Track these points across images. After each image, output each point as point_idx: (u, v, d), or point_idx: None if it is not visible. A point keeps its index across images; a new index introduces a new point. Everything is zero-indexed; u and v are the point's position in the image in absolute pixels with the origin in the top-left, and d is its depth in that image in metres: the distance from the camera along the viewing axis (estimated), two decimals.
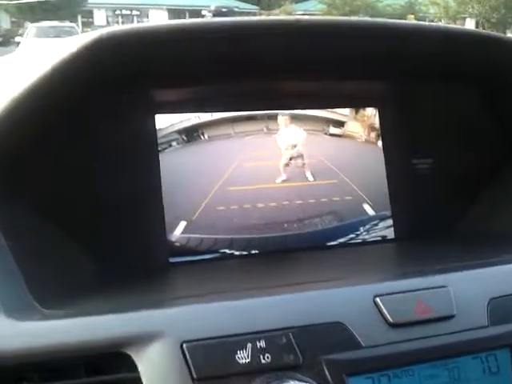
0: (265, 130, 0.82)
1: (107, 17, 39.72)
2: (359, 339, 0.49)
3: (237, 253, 0.78)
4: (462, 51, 0.69)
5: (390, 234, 0.85)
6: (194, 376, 0.44)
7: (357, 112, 0.86)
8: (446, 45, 0.67)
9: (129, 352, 0.44)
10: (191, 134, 0.79)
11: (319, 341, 0.48)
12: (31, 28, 16.05)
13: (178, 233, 0.76)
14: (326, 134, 0.84)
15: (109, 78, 0.62)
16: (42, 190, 0.65)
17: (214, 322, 0.47)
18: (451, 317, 0.52)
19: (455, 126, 0.85)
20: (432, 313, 0.51)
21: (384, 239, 0.84)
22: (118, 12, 40.22)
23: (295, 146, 0.82)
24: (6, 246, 0.50)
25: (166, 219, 0.75)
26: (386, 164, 0.85)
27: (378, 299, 0.51)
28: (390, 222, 0.85)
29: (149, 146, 0.75)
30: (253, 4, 41.51)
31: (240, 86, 0.76)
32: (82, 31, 22.74)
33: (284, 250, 0.80)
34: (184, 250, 0.76)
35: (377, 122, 0.86)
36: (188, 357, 0.44)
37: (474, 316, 0.53)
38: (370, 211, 0.85)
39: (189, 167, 0.78)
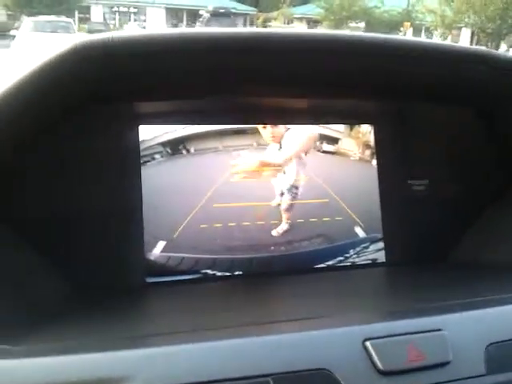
0: (254, 144, 0.78)
1: (104, 13, 39.60)
2: None
3: (219, 273, 0.74)
4: (458, 71, 0.65)
5: (381, 257, 0.81)
6: None
7: (352, 129, 0.82)
8: (443, 63, 0.64)
9: None
10: (176, 147, 0.75)
11: None
12: (28, 22, 15.98)
13: (157, 251, 0.72)
14: (318, 150, 0.80)
15: (88, 88, 0.58)
16: (17, 207, 0.61)
17: (185, 366, 0.42)
18: (446, 363, 0.48)
19: (453, 147, 0.82)
20: (425, 360, 0.47)
21: (374, 263, 0.80)
22: (115, 9, 40.13)
23: (296, 188, 0.79)
24: None
25: (145, 237, 0.71)
26: (379, 184, 0.82)
27: (367, 343, 0.47)
28: (381, 244, 0.81)
29: (131, 159, 0.71)
30: (250, 5, 41.52)
31: (229, 99, 0.72)
32: (79, 27, 22.65)
33: (269, 272, 0.76)
34: (163, 270, 0.72)
35: (372, 139, 0.83)
36: None
37: (471, 363, 0.49)
38: (361, 233, 0.81)
39: (172, 182, 0.74)
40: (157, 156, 0.74)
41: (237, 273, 0.74)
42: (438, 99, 0.76)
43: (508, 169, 0.78)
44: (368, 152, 0.83)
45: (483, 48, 0.67)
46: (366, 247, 0.81)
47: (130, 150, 0.71)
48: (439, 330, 0.49)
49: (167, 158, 0.74)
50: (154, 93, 0.67)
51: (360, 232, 0.81)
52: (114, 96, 0.66)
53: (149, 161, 0.73)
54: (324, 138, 0.81)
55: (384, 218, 0.81)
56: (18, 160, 0.61)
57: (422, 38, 0.76)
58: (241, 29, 0.57)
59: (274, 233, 0.77)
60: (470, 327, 0.51)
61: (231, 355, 0.44)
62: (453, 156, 0.82)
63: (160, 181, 0.73)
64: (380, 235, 0.81)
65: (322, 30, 0.61)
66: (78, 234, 0.67)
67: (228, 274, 0.74)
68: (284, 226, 0.77)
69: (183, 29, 0.55)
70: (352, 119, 0.81)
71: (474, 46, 0.67)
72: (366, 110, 0.82)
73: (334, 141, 0.81)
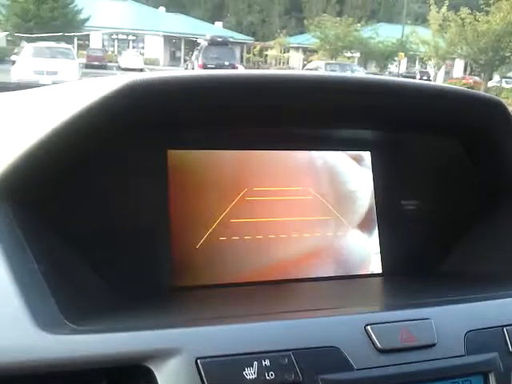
0: (268, 168, 0.88)
1: (103, 40, 40.06)
2: (351, 362, 0.55)
3: (236, 281, 0.84)
4: (446, 108, 0.77)
5: (378, 269, 0.91)
6: None
7: (351, 155, 0.93)
8: (432, 102, 0.76)
9: (150, 366, 0.50)
10: (199, 169, 0.86)
11: (316, 362, 0.54)
12: (28, 48, 16.23)
13: (182, 260, 0.82)
14: (322, 174, 0.91)
15: (130, 120, 0.69)
16: (67, 221, 0.71)
17: (224, 341, 0.53)
18: (432, 345, 0.59)
19: (441, 172, 0.93)
20: (415, 341, 0.58)
21: (372, 274, 0.91)
22: (114, 36, 40.59)
23: None
24: (38, 270, 0.56)
25: (172, 247, 0.81)
26: (375, 203, 0.93)
27: (368, 327, 0.58)
28: (377, 257, 0.92)
29: (160, 180, 0.81)
30: (247, 34, 42.10)
31: (249, 128, 0.83)
32: (78, 53, 22.93)
33: (280, 280, 0.86)
34: (186, 278, 0.82)
35: (369, 165, 0.94)
36: (202, 371, 0.50)
37: (453, 346, 0.60)
38: (360, 247, 0.91)
39: (195, 199, 0.84)
40: (182, 176, 0.84)
41: (251, 281, 0.84)
42: (426, 131, 0.88)
43: (486, 191, 0.89)
44: (366, 176, 0.94)
45: (462, 88, 0.79)
46: (365, 260, 0.91)
47: (159, 171, 0.82)
48: (427, 318, 0.60)
49: (191, 178, 0.85)
50: (184, 123, 0.78)
51: (359, 246, 0.91)
52: (147, 124, 0.76)
53: (176, 180, 0.84)
54: (327, 163, 0.92)
55: (380, 234, 0.92)
56: (72, 184, 0.72)
57: (416, 80, 0.83)
58: (263, 71, 0.68)
59: (286, 246, 0.87)
60: (452, 318, 0.62)
61: (261, 334, 0.55)
62: (440, 180, 0.93)
63: (184, 198, 0.84)
64: (377, 249, 0.92)
65: (330, 73, 0.73)
66: (118, 246, 0.77)
67: (243, 281, 0.84)
68: (293, 241, 0.88)
69: (219, 71, 0.67)
70: (352, 147, 0.93)
71: (454, 86, 0.79)
72: (365, 139, 0.93)
73: (335, 165, 0.93)
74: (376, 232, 0.92)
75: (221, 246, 0.84)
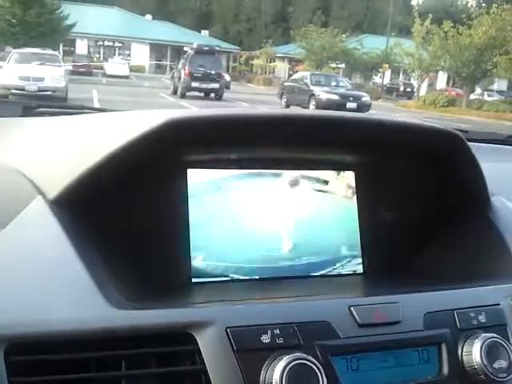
0: (268, 185, 1.07)
1: (89, 47, 40.06)
2: (338, 332, 0.74)
3: (242, 277, 1.02)
4: (410, 138, 0.97)
5: (359, 269, 1.10)
6: (235, 348, 0.69)
7: (338, 174, 1.12)
8: (401, 135, 0.96)
9: (193, 333, 0.69)
10: (213, 186, 1.04)
11: (313, 332, 0.73)
12: (13, 53, 16.27)
13: (199, 260, 1.00)
14: (314, 189, 1.10)
15: (159, 149, 0.86)
16: (110, 225, 0.89)
17: (246, 316, 0.72)
18: (398, 322, 0.78)
19: (413, 188, 1.12)
20: (386, 319, 0.77)
21: (354, 273, 1.09)
22: (99, 43, 40.60)
23: None
24: (98, 260, 0.75)
25: (191, 250, 0.99)
26: (358, 214, 1.11)
27: (351, 308, 0.77)
28: (359, 259, 1.10)
29: (182, 194, 0.99)
30: (233, 44, 42.34)
31: (254, 152, 1.02)
32: (63, 59, 22.97)
33: (277, 277, 1.04)
34: (203, 274, 1.00)
35: (353, 182, 1.13)
36: (231, 337, 0.69)
37: (414, 323, 0.79)
38: (345, 251, 1.10)
39: (209, 210, 1.02)
40: (199, 191, 1.02)
41: (254, 277, 1.03)
42: (399, 156, 1.07)
43: (449, 204, 1.09)
44: (350, 191, 1.13)
45: (424, 123, 0.98)
46: (349, 261, 1.09)
47: (181, 187, 1.00)
48: (396, 302, 0.79)
49: (207, 193, 1.03)
50: (202, 148, 0.96)
51: (344, 250, 1.10)
52: (169, 151, 0.94)
53: (194, 195, 1.02)
54: (317, 180, 1.10)
55: (362, 240, 1.10)
56: (115, 195, 0.90)
57: (390, 117, 0.96)
58: (273, 111, 0.88)
59: (282, 249, 1.05)
60: (415, 302, 0.81)
61: (273, 311, 0.74)
62: (411, 194, 1.12)
63: (201, 209, 1.02)
64: (359, 252, 1.10)
65: (326, 112, 0.93)
66: (146, 245, 0.95)
67: (248, 277, 1.02)
68: (288, 245, 1.06)
69: (241, 109, 0.86)
70: (338, 167, 1.12)
71: (419, 122, 0.99)
72: (349, 160, 1.12)
73: (325, 182, 1.11)
74: (358, 238, 1.10)
75: (230, 248, 1.02)
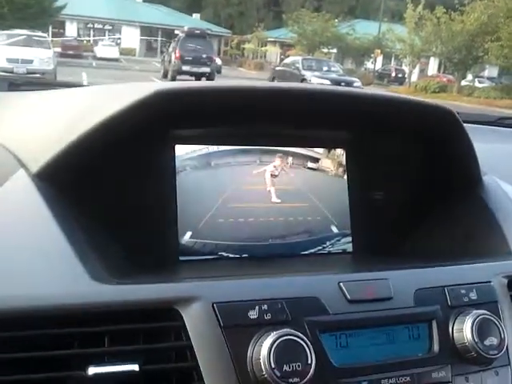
0: (258, 161, 1.05)
1: (78, 29, 39.63)
2: (328, 308, 0.73)
3: (231, 255, 1.00)
4: (400, 114, 0.95)
5: (349, 248, 1.09)
6: (221, 324, 0.67)
7: (329, 151, 1.11)
8: (391, 109, 0.94)
9: (178, 308, 0.67)
10: (201, 162, 1.02)
11: (302, 307, 0.71)
12: (1, 35, 16.07)
13: (187, 238, 0.98)
14: (304, 167, 1.08)
15: (148, 120, 0.84)
16: (94, 200, 0.87)
17: (233, 291, 0.70)
18: (390, 298, 0.77)
19: (402, 167, 1.11)
20: (376, 295, 0.76)
21: (344, 252, 1.08)
22: (89, 25, 40.19)
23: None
24: (81, 237, 0.73)
25: (178, 226, 0.97)
26: (349, 193, 1.10)
27: (341, 283, 0.75)
28: (349, 238, 1.09)
29: (169, 170, 0.97)
30: (225, 27, 42.07)
31: (244, 128, 1.00)
32: (52, 41, 22.71)
33: (267, 256, 1.02)
34: (191, 251, 0.98)
35: (344, 160, 1.11)
36: (217, 312, 0.67)
37: (405, 299, 0.78)
38: (335, 229, 1.08)
39: (198, 187, 1.00)
40: (188, 168, 1.00)
41: (244, 255, 1.01)
42: (391, 133, 1.06)
43: (440, 185, 1.07)
44: (341, 170, 1.11)
45: (417, 99, 0.97)
46: (339, 240, 1.08)
47: (168, 163, 0.98)
48: (386, 279, 0.78)
49: (195, 169, 1.01)
50: (191, 122, 0.94)
51: (334, 229, 1.08)
52: (157, 124, 0.92)
53: (182, 171, 1.00)
54: (309, 158, 1.09)
55: (352, 219, 1.09)
56: (99, 170, 0.87)
57: (384, 92, 0.97)
58: (268, 84, 0.85)
59: (272, 227, 1.04)
60: (405, 279, 0.80)
61: (260, 287, 0.72)
62: (402, 174, 1.11)
63: (189, 186, 1.00)
64: (349, 231, 1.09)
65: (320, 86, 0.91)
66: (132, 221, 0.93)
67: (238, 256, 1.01)
68: (279, 223, 1.04)
69: (231, 82, 0.84)
70: (329, 144, 1.10)
71: (411, 97, 0.97)
72: (340, 138, 1.11)
73: (316, 160, 1.10)
74: (348, 217, 1.09)
75: (219, 226, 1.00)
